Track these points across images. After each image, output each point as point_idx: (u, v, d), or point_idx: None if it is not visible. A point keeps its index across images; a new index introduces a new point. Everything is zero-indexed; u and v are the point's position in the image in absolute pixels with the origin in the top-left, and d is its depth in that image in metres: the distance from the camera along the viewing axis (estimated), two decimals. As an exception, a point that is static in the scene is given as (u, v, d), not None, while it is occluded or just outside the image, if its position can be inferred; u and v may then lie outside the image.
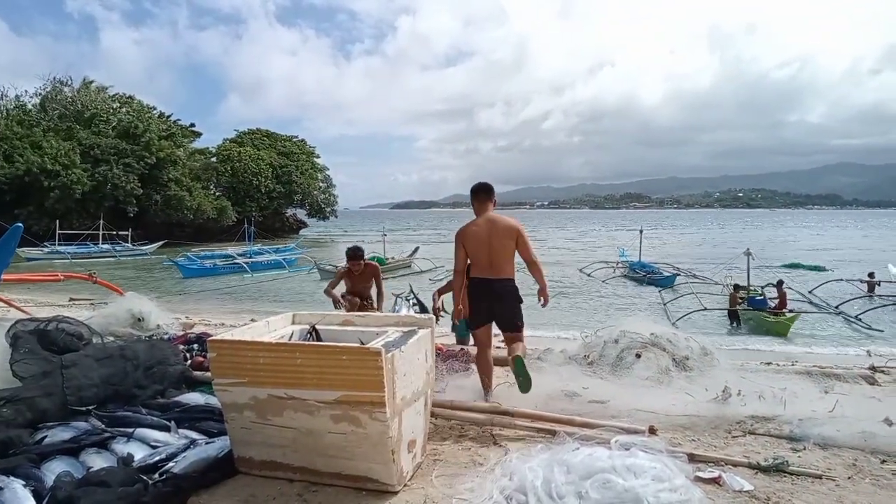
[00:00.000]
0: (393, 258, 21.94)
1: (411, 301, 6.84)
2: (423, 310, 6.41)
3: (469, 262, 4.35)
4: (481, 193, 4.46)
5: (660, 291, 16.18)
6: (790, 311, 11.56)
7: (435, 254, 24.63)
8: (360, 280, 6.55)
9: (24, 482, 2.56)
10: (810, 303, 14.04)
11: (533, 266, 4.29)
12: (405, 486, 2.80)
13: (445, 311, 5.93)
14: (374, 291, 6.64)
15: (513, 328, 4.35)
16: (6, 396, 3.29)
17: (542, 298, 4.32)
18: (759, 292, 12.59)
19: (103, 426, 3.28)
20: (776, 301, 11.90)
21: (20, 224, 5.44)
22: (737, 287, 12.98)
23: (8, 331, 4.04)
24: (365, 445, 2.67)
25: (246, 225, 34.82)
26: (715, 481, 2.83)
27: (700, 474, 2.86)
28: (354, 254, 6.39)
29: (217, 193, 47.84)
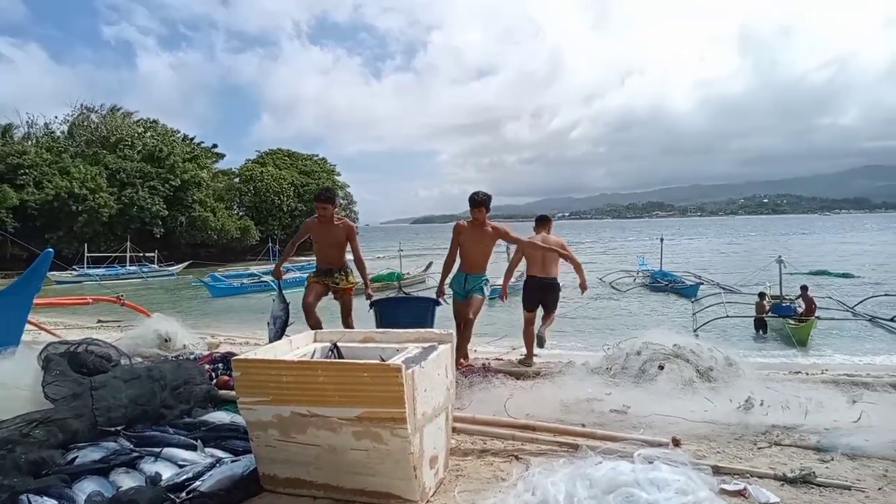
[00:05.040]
0: (409, 273, 22.14)
1: None
2: None
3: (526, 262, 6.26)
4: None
5: (692, 301, 16.05)
6: (817, 317, 11.33)
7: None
8: (327, 237, 5.65)
9: (56, 502, 2.62)
10: (853, 313, 13.51)
11: (579, 268, 6.26)
12: (427, 502, 2.81)
13: (445, 301, 6.20)
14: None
15: (552, 310, 6.24)
16: (38, 418, 3.34)
17: (582, 289, 6.31)
18: (789, 301, 12.38)
19: (132, 446, 3.33)
20: (803, 308, 11.70)
21: (51, 249, 5.52)
22: (762, 295, 12.80)
23: (40, 354, 4.15)
24: (387, 462, 2.69)
25: (270, 244, 35.25)
26: (740, 494, 2.79)
27: (725, 487, 2.82)
28: (322, 194, 5.49)
29: (240, 213, 48.57)
